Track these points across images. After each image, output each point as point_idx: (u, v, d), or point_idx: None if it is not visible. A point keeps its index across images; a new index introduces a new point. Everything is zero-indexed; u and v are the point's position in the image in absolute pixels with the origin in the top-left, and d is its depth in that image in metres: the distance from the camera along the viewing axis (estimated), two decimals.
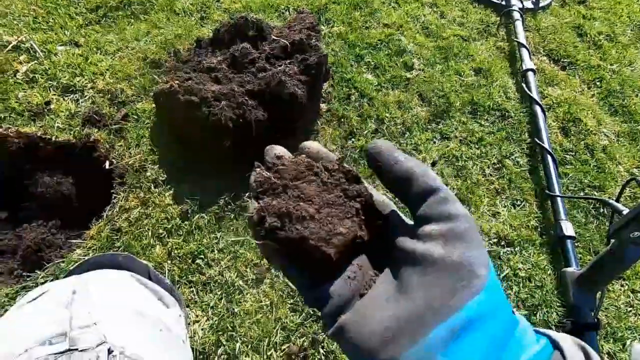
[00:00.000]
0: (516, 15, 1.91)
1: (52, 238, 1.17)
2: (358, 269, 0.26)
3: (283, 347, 0.99)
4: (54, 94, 1.35)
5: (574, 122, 1.63)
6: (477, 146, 1.50)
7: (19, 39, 1.44)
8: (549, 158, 1.42)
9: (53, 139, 1.24)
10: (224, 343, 0.98)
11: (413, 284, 0.23)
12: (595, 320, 1.09)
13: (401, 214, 0.29)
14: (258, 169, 0.29)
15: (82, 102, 1.36)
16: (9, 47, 1.41)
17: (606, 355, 1.10)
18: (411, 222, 0.28)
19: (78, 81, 1.39)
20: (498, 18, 1.97)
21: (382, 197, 0.31)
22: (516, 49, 1.82)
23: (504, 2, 2.01)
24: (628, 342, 1.12)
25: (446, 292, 0.22)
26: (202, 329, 0.99)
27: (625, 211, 0.96)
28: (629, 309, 1.19)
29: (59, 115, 1.30)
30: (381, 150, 0.28)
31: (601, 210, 1.38)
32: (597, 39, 1.99)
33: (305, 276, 0.26)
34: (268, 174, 0.28)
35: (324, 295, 0.25)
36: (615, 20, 2.11)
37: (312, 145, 0.32)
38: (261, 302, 1.05)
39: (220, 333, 0.99)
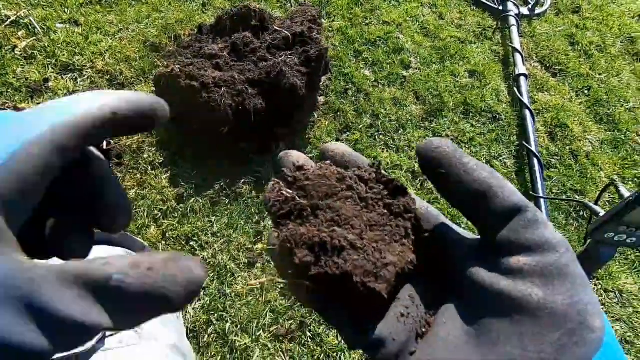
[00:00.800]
0: (512, 20, 1.96)
1: None
2: (411, 302, 0.21)
3: (271, 329, 1.03)
4: (53, 72, 1.35)
5: (561, 128, 1.69)
6: (467, 146, 1.55)
7: (18, 13, 1.43)
8: (536, 161, 1.47)
9: None
10: (215, 323, 1.01)
11: (500, 334, 0.18)
12: None
13: (456, 227, 0.23)
14: (277, 186, 0.22)
15: (80, 82, 1.36)
16: (8, 21, 1.40)
17: None
18: (471, 237, 0.23)
19: (77, 60, 1.39)
20: (495, 22, 2.02)
21: (425, 205, 0.25)
22: (510, 53, 1.87)
23: (501, 7, 2.05)
24: None
25: (551, 349, 0.17)
26: (193, 309, 1.02)
27: (602, 213, 1.02)
28: (601, 307, 1.25)
29: (57, 93, 1.30)
30: (447, 153, 0.21)
31: (581, 213, 1.44)
32: (588, 48, 2.06)
33: (348, 316, 0.21)
34: (290, 192, 0.22)
35: (374, 340, 0.20)
36: (607, 31, 2.18)
37: (337, 148, 0.26)
38: (252, 285, 1.08)
39: (211, 313, 1.02)
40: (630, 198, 0.91)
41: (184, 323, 1.00)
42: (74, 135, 0.16)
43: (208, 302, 1.04)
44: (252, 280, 1.09)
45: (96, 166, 0.20)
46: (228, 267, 1.10)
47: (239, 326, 1.02)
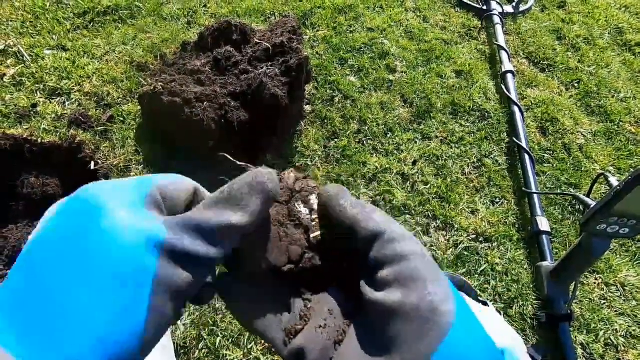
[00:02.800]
0: (496, 19, 1.96)
1: None
2: (329, 314, 0.25)
3: (263, 341, 1.01)
4: (41, 97, 1.38)
5: (552, 122, 1.68)
6: (457, 146, 1.54)
7: (7, 43, 1.46)
8: (527, 157, 1.46)
9: (39, 140, 1.26)
10: (205, 337, 1.00)
11: (385, 337, 0.21)
12: (569, 312, 1.12)
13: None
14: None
15: (68, 105, 1.38)
16: None
17: (580, 347, 1.13)
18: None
19: (65, 84, 1.42)
20: (479, 22, 2.03)
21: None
22: (496, 51, 1.87)
23: (485, 7, 2.06)
24: (601, 333, 1.15)
25: (415, 340, 0.20)
26: (183, 324, 1.01)
27: (593, 205, 1.00)
28: (603, 301, 1.22)
29: (46, 117, 1.32)
30: (328, 197, 0.27)
31: (576, 206, 1.42)
32: (575, 42, 2.05)
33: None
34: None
35: (296, 349, 0.24)
36: (593, 24, 2.18)
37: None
38: None
39: (201, 328, 1.01)
40: (618, 187, 0.90)
41: (174, 340, 0.99)
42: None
43: (198, 317, 1.03)
44: None
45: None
46: None
47: (230, 340, 1.01)
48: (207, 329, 1.01)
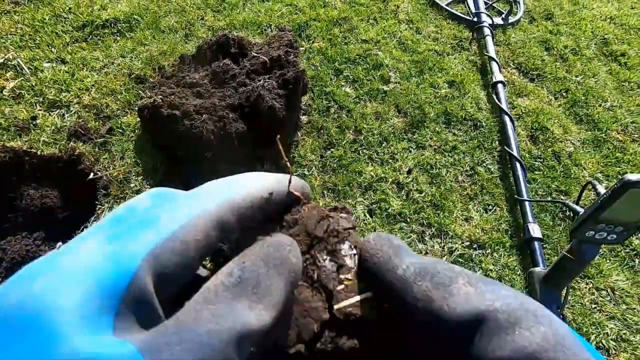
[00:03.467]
0: (486, 31, 2.02)
1: (37, 250, 1.19)
2: None
3: None
4: (40, 109, 1.39)
5: (541, 131, 1.72)
6: (450, 154, 1.57)
7: (6, 56, 1.48)
8: (518, 165, 1.50)
9: (38, 152, 1.27)
10: None
11: None
12: (561, 316, 1.15)
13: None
14: None
15: (67, 117, 1.40)
16: None
17: None
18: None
19: (64, 97, 1.43)
20: (470, 33, 2.08)
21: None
22: (487, 62, 1.92)
23: (475, 19, 2.12)
24: (592, 337, 1.18)
25: None
26: None
27: (581, 212, 1.04)
28: (594, 305, 1.25)
29: (45, 129, 1.34)
30: (373, 255, 0.19)
31: (567, 213, 1.46)
32: (563, 52, 2.11)
33: None
34: None
35: None
36: (580, 35, 2.25)
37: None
38: None
39: None
40: (605, 196, 0.93)
41: None
42: (236, 212, 0.18)
43: None
44: None
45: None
46: None
47: None
48: None
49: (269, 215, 0.20)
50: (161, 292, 0.15)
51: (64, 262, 0.14)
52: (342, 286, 0.20)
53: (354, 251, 0.21)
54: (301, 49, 1.81)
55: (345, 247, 0.21)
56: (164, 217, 0.16)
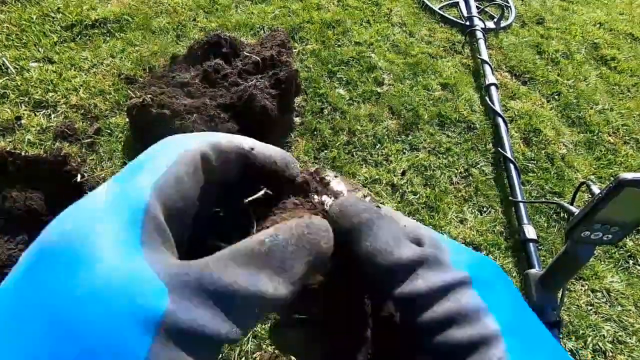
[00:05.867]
0: (479, 34, 2.03)
1: (20, 254, 1.15)
2: None
3: (254, 356, 0.99)
4: (25, 110, 1.35)
5: (534, 133, 1.73)
6: (444, 156, 1.57)
7: None
8: (512, 166, 1.49)
9: (23, 153, 1.23)
10: None
11: None
12: (558, 319, 1.13)
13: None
14: None
15: (54, 117, 1.36)
16: None
17: (569, 353, 1.14)
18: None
19: (51, 97, 1.40)
20: (463, 37, 2.09)
21: None
22: (480, 65, 1.93)
23: (467, 23, 2.14)
24: (589, 339, 1.16)
25: None
26: None
27: (576, 212, 1.03)
28: (590, 307, 1.24)
29: (30, 130, 1.30)
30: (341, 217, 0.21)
31: (561, 214, 1.45)
32: (554, 56, 2.13)
33: None
34: None
35: None
36: (571, 39, 2.27)
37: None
38: None
39: None
40: (600, 195, 0.92)
41: None
42: (216, 150, 0.19)
43: None
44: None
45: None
46: None
47: (221, 355, 0.99)
48: None
49: (251, 173, 0.21)
50: (171, 224, 0.17)
51: (84, 204, 0.16)
52: None
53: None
54: (294, 50, 1.80)
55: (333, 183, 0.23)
56: (158, 157, 0.18)
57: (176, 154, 0.18)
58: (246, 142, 0.21)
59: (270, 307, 0.16)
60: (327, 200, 0.22)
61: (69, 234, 0.15)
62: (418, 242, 0.21)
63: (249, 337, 1.01)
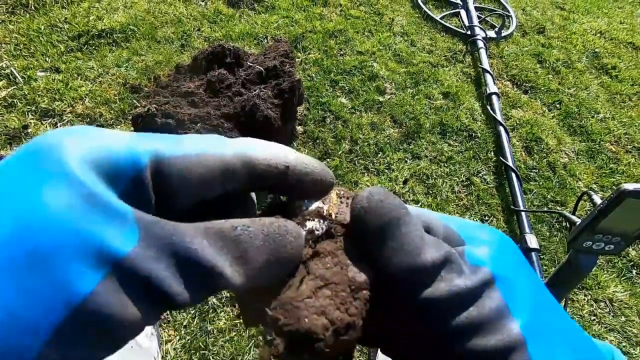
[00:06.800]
0: (480, 43, 2.05)
1: None
2: None
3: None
4: (32, 118, 1.37)
5: (536, 142, 1.73)
6: (446, 165, 1.57)
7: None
8: (513, 175, 1.50)
9: None
10: None
11: None
12: None
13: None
14: None
15: (60, 126, 1.38)
16: None
17: None
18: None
19: (57, 106, 1.42)
20: (464, 46, 2.11)
21: None
22: (481, 74, 1.94)
23: (469, 32, 2.16)
24: None
25: None
26: (174, 349, 0.99)
27: (578, 222, 1.03)
28: (593, 317, 1.24)
29: None
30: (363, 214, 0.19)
31: (564, 224, 1.45)
32: (555, 65, 2.15)
33: None
34: None
35: None
36: (571, 48, 2.29)
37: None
38: (235, 320, 1.05)
39: (192, 352, 0.99)
40: (601, 205, 0.93)
41: None
42: (248, 173, 0.19)
43: (189, 341, 1.01)
44: (235, 315, 1.06)
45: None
46: (210, 302, 1.07)
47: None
48: (198, 353, 0.99)
49: (278, 189, 0.20)
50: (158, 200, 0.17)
51: (87, 130, 0.16)
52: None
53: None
54: (297, 59, 1.82)
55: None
56: (186, 141, 0.17)
57: (203, 149, 0.17)
58: (284, 159, 0.19)
59: (223, 287, 0.16)
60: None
61: (50, 143, 0.15)
62: (427, 230, 0.20)
63: (250, 346, 1.02)
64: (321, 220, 0.20)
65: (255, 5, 2.08)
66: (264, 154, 0.19)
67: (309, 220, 0.20)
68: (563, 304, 1.13)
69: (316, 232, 0.20)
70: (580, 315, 1.23)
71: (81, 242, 0.13)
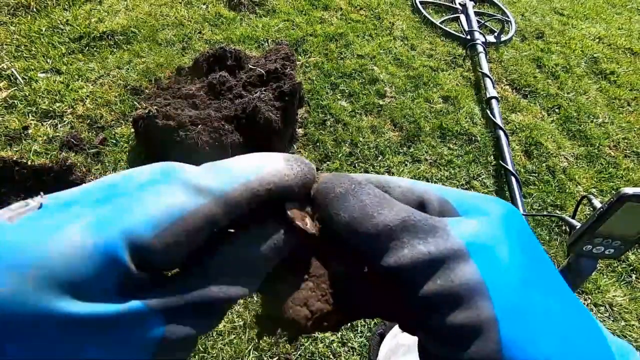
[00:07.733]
0: (480, 48, 2.06)
1: None
2: None
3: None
4: (33, 119, 1.37)
5: (535, 146, 1.74)
6: (446, 168, 1.58)
7: (0, 65, 1.47)
8: (513, 179, 1.50)
9: (29, 162, 1.25)
10: None
11: None
12: None
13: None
14: None
15: (60, 127, 1.38)
16: None
17: None
18: None
19: (57, 107, 1.42)
20: (464, 51, 2.12)
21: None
22: (481, 78, 1.95)
23: (468, 37, 2.17)
24: None
25: None
26: None
27: (578, 226, 1.03)
28: None
29: (37, 139, 1.32)
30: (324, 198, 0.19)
31: (563, 227, 1.45)
32: (554, 70, 2.16)
33: None
34: None
35: None
36: (570, 53, 2.30)
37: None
38: (234, 322, 1.05)
39: (191, 354, 0.98)
40: (601, 209, 0.93)
41: None
42: (229, 210, 0.17)
43: None
44: (234, 317, 1.06)
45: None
46: None
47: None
48: (197, 356, 0.99)
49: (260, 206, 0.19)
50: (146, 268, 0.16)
51: (53, 239, 0.15)
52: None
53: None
54: (298, 63, 1.83)
55: None
56: (151, 202, 0.16)
57: (181, 211, 0.16)
58: (265, 186, 0.18)
59: (234, 304, 0.17)
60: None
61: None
62: (421, 204, 0.19)
63: (250, 349, 1.01)
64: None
65: (257, 8, 2.09)
66: (243, 189, 0.18)
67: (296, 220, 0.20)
68: None
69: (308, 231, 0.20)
70: None
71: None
